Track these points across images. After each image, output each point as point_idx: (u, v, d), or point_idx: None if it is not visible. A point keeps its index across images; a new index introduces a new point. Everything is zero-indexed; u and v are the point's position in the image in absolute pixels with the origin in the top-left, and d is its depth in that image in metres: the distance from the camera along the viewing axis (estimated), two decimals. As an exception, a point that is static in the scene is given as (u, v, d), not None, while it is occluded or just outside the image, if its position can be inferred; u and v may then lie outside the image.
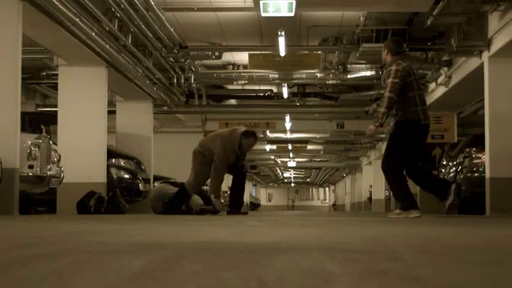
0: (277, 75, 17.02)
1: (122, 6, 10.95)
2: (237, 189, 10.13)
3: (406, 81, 7.90)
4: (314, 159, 39.30)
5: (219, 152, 9.74)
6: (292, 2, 10.99)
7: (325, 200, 75.41)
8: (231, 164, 9.89)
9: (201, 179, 10.32)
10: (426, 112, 8.07)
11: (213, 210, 10.34)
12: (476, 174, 11.96)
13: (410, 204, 7.90)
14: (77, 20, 10.07)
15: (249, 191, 52.48)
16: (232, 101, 20.25)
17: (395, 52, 8.17)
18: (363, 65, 16.30)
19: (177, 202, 10.48)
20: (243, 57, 16.53)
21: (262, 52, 15.64)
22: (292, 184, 70.06)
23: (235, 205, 10.04)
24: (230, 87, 19.28)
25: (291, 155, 36.21)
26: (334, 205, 62.26)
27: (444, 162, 14.45)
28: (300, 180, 63.79)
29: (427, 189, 8.32)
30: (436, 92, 15.91)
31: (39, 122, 12.18)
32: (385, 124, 8.25)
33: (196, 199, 10.91)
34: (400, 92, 7.85)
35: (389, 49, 8.18)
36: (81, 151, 12.18)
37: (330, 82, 16.97)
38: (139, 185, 13.91)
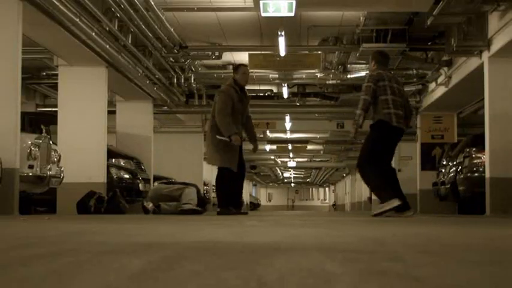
0: (277, 75, 17.02)
1: (122, 6, 10.95)
2: (236, 188, 10.02)
3: (379, 86, 8.24)
4: (314, 159, 39.30)
5: (218, 94, 9.58)
6: (292, 2, 11.00)
7: (325, 200, 75.42)
8: (239, 109, 9.42)
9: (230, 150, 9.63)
10: (400, 117, 8.28)
11: (198, 211, 10.39)
12: (476, 174, 11.97)
13: (389, 195, 8.08)
14: (77, 20, 10.07)
15: (249, 191, 52.46)
16: (232, 101, 20.21)
17: (382, 64, 8.55)
18: (363, 65, 16.29)
19: (224, 189, 9.77)
20: (243, 57, 16.52)
21: (262, 52, 15.63)
22: (292, 184, 70.08)
23: (235, 205, 9.96)
24: (230, 87, 19.26)
25: (291, 155, 36.21)
26: (334, 205, 62.27)
27: (444, 162, 14.45)
28: (300, 180, 63.80)
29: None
30: (436, 92, 15.91)
31: (39, 122, 12.18)
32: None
33: (188, 193, 10.94)
34: (374, 95, 8.22)
35: (377, 61, 8.56)
36: (81, 151, 12.18)
37: (330, 82, 16.97)
38: (139, 185, 13.92)
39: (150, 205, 11.04)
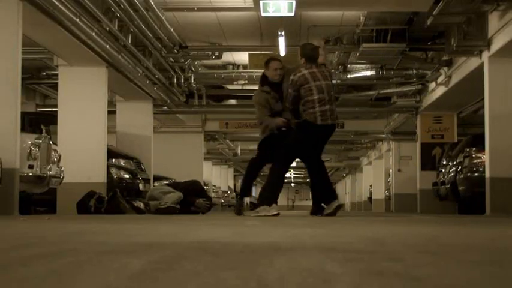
0: (277, 75, 16.98)
1: (122, 6, 10.95)
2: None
3: (304, 88, 8.19)
4: (314, 159, 39.20)
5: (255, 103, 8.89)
6: (292, 2, 11.00)
7: (325, 200, 75.21)
8: (277, 109, 8.69)
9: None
10: (325, 112, 8.20)
11: (170, 210, 10.49)
12: (476, 174, 11.98)
13: (274, 200, 8.31)
14: (77, 20, 10.06)
15: (249, 191, 52.25)
16: (232, 101, 20.24)
17: (308, 58, 8.37)
18: (363, 65, 16.29)
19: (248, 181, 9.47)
20: (243, 57, 16.53)
21: (262, 52, 15.63)
22: (292, 184, 70.06)
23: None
24: (230, 87, 19.26)
25: (291, 155, 36.13)
26: (334, 205, 62.11)
27: (444, 162, 14.46)
28: (300, 180, 63.76)
29: (315, 191, 8.73)
30: (436, 92, 15.91)
31: (39, 122, 12.17)
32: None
33: (171, 197, 11.03)
34: (299, 99, 8.24)
35: (304, 55, 8.39)
36: (81, 151, 12.17)
37: (330, 82, 16.95)
38: (139, 185, 13.91)
39: (141, 205, 11.19)
